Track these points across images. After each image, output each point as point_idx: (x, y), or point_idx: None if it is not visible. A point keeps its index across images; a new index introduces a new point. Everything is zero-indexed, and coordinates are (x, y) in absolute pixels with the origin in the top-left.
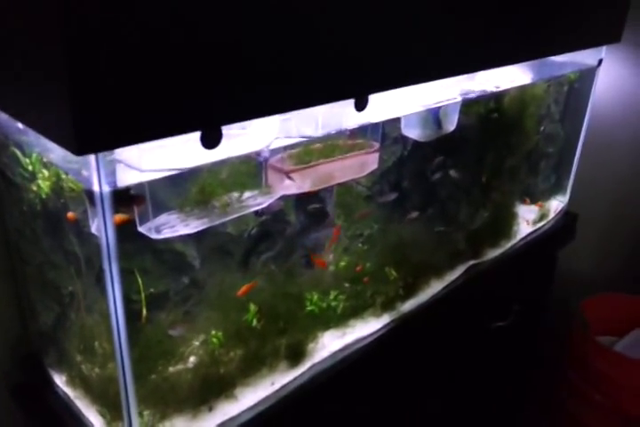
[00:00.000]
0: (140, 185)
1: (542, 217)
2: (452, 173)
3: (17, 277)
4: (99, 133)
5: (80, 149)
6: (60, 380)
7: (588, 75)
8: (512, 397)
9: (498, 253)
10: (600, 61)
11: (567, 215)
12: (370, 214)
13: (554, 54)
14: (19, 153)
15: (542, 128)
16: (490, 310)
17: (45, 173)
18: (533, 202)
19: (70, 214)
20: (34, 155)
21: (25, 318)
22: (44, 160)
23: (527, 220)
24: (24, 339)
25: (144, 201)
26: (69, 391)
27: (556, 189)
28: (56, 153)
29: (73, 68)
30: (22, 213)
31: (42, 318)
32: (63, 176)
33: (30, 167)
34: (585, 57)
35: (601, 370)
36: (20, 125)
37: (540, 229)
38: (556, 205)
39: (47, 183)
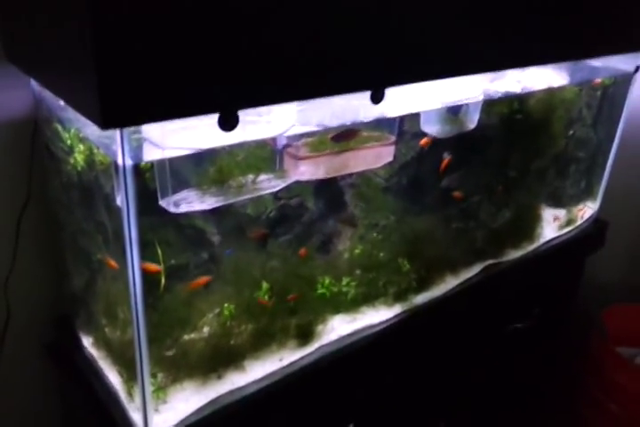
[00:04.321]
0: (161, 161)
1: (570, 222)
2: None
3: (55, 242)
4: (123, 110)
5: (105, 123)
6: (87, 341)
7: (624, 80)
8: (524, 403)
9: (519, 255)
10: (637, 68)
11: (597, 222)
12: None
13: (586, 58)
14: (60, 128)
15: (572, 132)
16: (507, 310)
17: (81, 147)
18: (562, 206)
19: None
20: (72, 130)
21: (60, 280)
22: (81, 135)
23: (555, 216)
24: (59, 300)
25: None
26: (94, 352)
27: (587, 194)
28: (90, 129)
29: (100, 45)
30: (61, 184)
31: (74, 282)
32: (95, 151)
33: (69, 142)
34: (621, 62)
35: (618, 381)
36: (62, 103)
37: (566, 234)
38: (585, 210)
39: (82, 157)
